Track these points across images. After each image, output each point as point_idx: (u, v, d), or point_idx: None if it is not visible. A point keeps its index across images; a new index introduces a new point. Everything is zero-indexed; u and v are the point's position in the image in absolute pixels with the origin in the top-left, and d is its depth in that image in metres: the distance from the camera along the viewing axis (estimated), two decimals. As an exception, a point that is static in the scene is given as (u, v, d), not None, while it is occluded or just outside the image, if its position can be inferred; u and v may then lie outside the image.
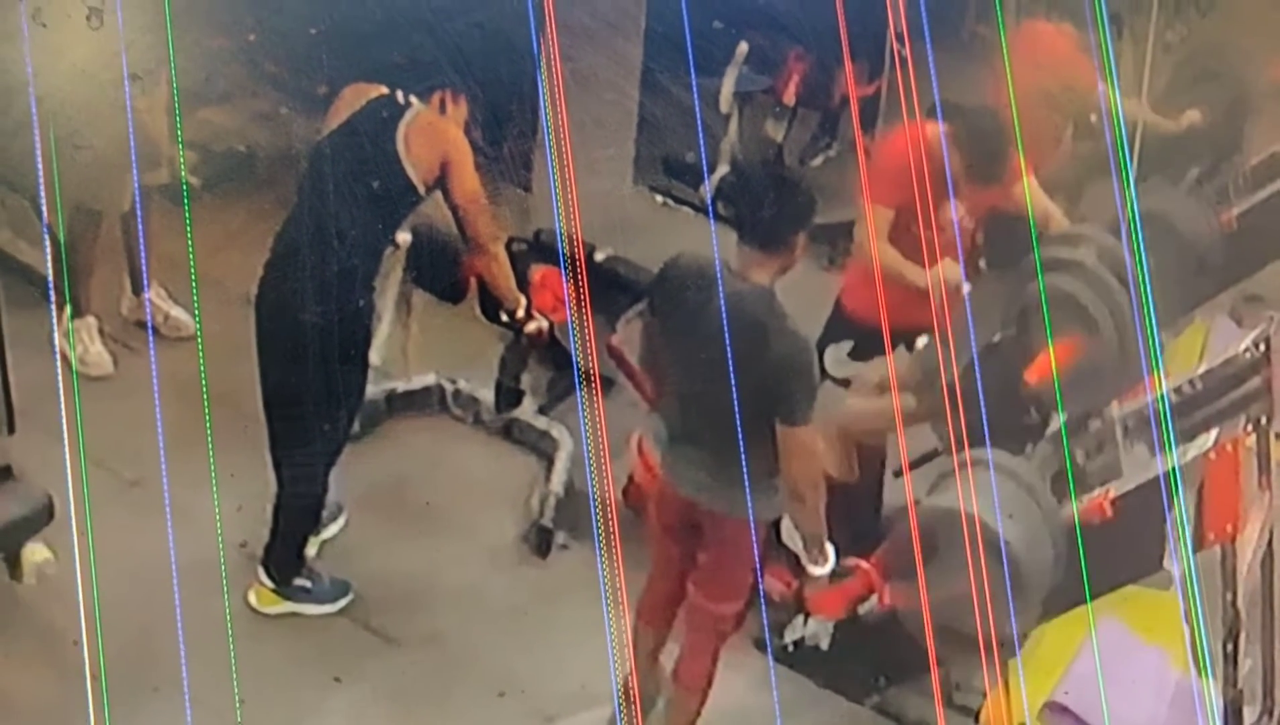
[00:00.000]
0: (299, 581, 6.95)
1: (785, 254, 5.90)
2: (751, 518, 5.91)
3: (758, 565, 6.11)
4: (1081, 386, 6.51)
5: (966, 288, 7.01)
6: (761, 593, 6.21)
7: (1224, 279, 8.04)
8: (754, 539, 5.98)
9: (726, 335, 5.69)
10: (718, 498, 6.02)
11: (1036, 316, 6.59)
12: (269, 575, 6.93)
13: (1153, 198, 7.57)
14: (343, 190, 6.59)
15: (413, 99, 6.66)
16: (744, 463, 5.80)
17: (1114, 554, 5.93)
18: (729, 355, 5.67)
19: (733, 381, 5.68)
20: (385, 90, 6.68)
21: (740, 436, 5.77)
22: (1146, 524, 5.82)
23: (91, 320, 7.97)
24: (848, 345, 7.13)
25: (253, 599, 6.93)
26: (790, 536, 6.12)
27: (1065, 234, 7.09)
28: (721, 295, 5.76)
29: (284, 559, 6.92)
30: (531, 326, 7.10)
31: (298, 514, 6.92)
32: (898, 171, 6.75)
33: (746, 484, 5.87)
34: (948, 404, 6.25)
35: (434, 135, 6.62)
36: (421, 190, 6.61)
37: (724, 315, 5.72)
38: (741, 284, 5.83)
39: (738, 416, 5.74)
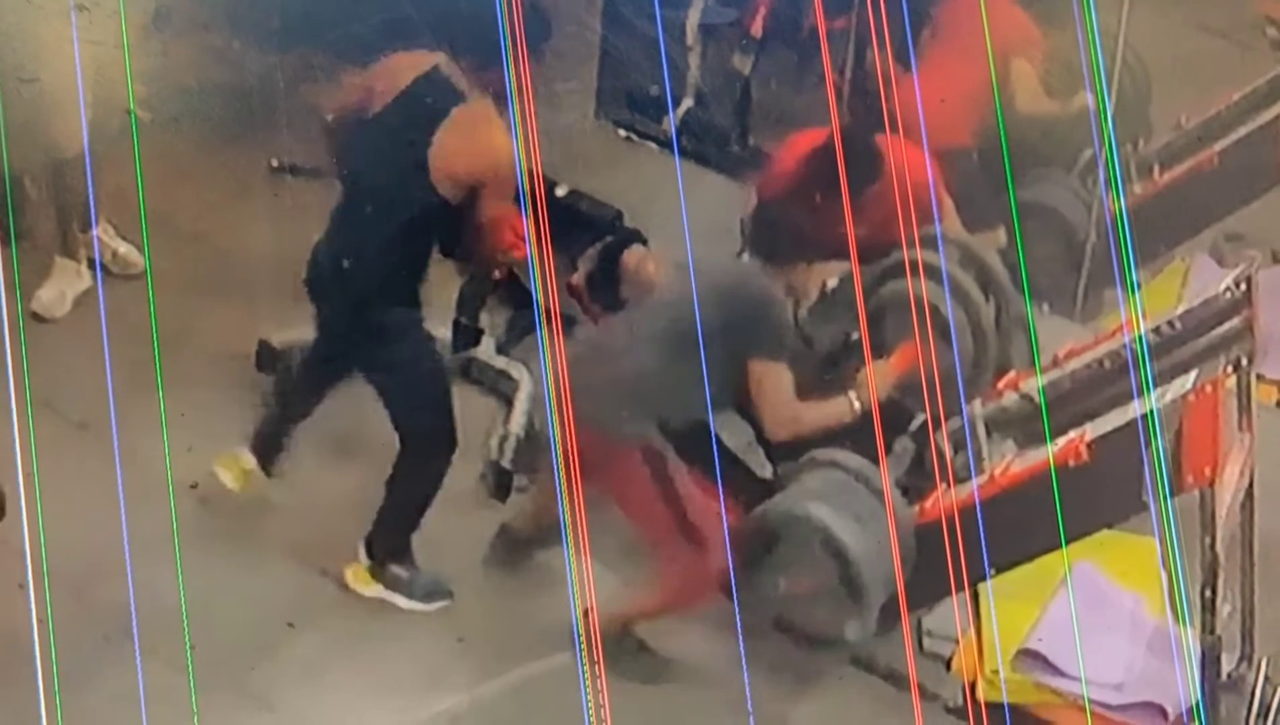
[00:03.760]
0: (395, 569, 6.72)
1: (798, 273, 6.12)
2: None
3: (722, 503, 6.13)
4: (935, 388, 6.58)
5: (832, 283, 6.95)
6: (726, 535, 6.14)
7: (1205, 217, 7.99)
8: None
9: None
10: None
11: (890, 317, 6.70)
12: (368, 552, 6.73)
13: (1038, 188, 7.85)
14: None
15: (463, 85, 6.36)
16: (709, 399, 5.90)
17: (1091, 497, 5.87)
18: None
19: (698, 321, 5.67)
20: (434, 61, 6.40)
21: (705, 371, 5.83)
22: (1124, 467, 5.73)
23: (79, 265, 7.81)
24: None
25: (349, 577, 6.72)
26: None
27: (931, 236, 7.02)
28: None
29: (392, 538, 6.74)
30: (491, 264, 7.00)
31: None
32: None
33: (710, 420, 5.98)
34: None
35: (476, 143, 6.32)
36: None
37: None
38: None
39: (702, 352, 5.80)
